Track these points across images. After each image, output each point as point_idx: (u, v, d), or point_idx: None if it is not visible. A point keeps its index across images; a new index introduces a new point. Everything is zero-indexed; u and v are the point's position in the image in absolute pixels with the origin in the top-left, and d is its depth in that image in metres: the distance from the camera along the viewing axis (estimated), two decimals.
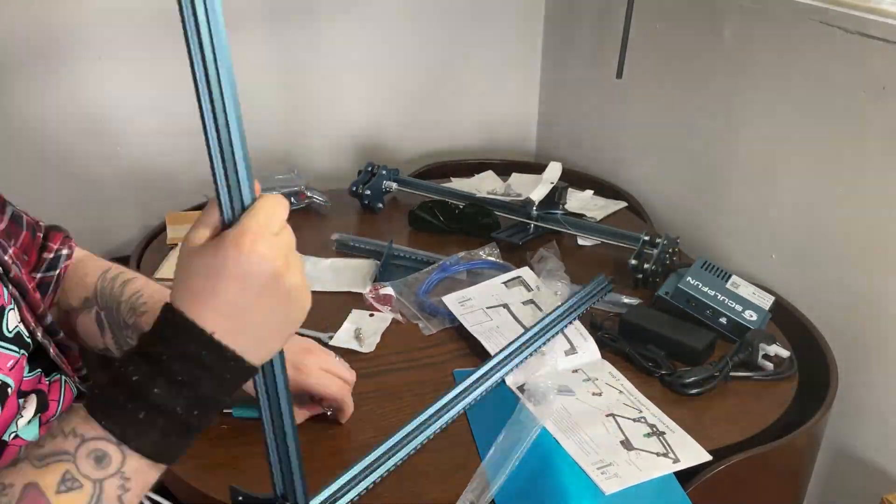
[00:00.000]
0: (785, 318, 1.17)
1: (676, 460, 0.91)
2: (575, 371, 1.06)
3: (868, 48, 1.07)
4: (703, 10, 1.36)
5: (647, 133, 1.57)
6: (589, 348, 1.09)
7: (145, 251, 1.37)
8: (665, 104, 1.50)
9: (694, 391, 1.04)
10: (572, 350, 1.08)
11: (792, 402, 1.02)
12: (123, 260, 1.06)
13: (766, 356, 1.07)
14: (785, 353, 1.07)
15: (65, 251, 0.88)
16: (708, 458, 0.91)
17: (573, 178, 1.72)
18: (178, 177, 1.60)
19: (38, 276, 0.85)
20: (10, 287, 0.74)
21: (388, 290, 1.20)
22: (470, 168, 1.70)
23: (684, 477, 0.90)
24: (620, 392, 1.02)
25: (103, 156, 1.55)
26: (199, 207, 1.48)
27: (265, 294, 0.52)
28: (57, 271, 0.86)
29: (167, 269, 1.28)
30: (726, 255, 1.39)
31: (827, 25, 1.12)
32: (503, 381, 1.02)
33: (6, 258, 0.75)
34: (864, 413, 1.18)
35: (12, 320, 0.71)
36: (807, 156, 1.21)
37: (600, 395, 1.02)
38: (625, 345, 1.09)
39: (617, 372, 1.06)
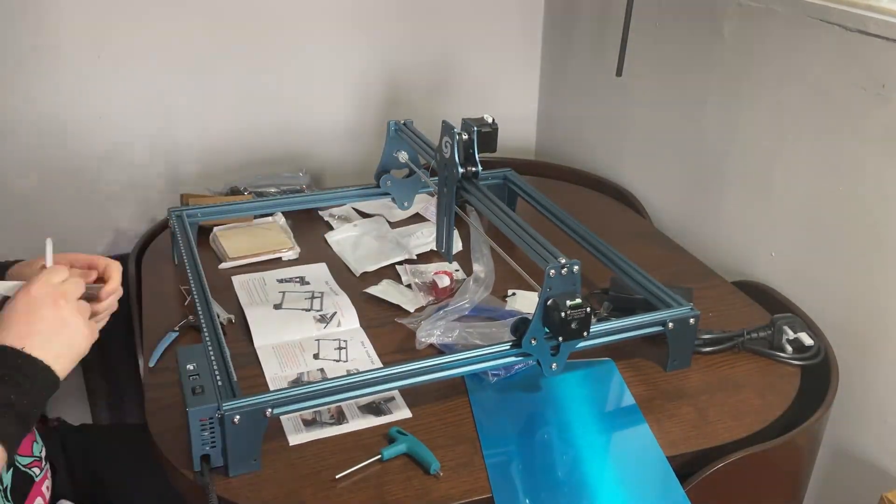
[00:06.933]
0: None
1: None
2: None
3: (867, 46, 1.07)
4: (702, 8, 1.36)
5: (647, 131, 1.57)
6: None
7: (145, 250, 1.37)
8: (665, 102, 1.50)
9: (707, 350, 1.06)
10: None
11: (792, 402, 1.02)
12: (122, 258, 1.06)
13: (788, 340, 1.08)
14: (809, 342, 1.08)
15: None
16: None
17: (573, 178, 1.73)
18: (179, 175, 1.60)
19: None
20: None
21: None
22: None
23: (684, 475, 0.90)
24: None
25: (104, 155, 1.55)
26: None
27: (45, 320, 0.77)
28: None
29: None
30: (726, 253, 1.39)
31: (826, 23, 1.12)
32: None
33: None
34: (864, 413, 1.17)
35: None
36: (806, 154, 1.21)
37: None
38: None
39: None
